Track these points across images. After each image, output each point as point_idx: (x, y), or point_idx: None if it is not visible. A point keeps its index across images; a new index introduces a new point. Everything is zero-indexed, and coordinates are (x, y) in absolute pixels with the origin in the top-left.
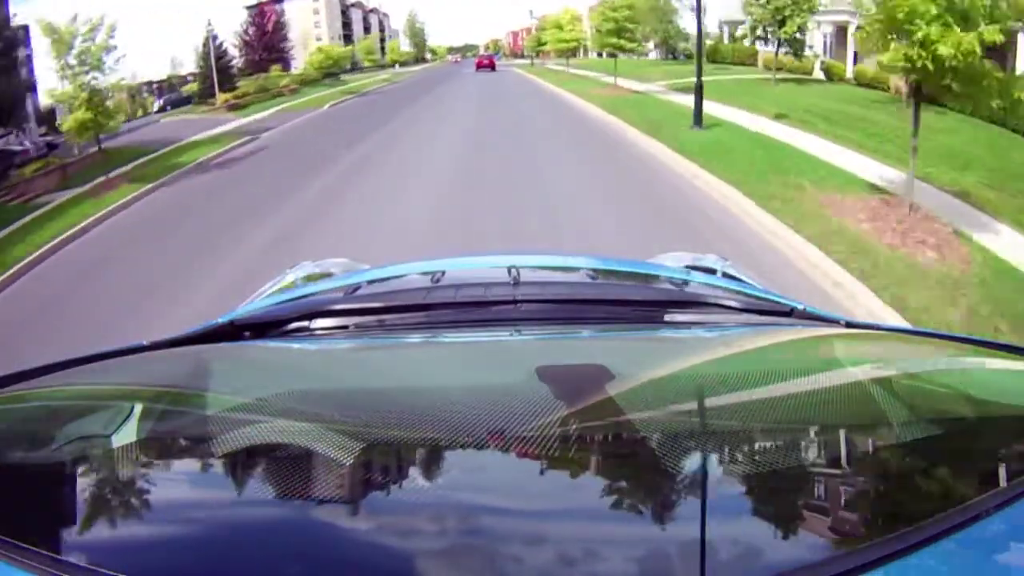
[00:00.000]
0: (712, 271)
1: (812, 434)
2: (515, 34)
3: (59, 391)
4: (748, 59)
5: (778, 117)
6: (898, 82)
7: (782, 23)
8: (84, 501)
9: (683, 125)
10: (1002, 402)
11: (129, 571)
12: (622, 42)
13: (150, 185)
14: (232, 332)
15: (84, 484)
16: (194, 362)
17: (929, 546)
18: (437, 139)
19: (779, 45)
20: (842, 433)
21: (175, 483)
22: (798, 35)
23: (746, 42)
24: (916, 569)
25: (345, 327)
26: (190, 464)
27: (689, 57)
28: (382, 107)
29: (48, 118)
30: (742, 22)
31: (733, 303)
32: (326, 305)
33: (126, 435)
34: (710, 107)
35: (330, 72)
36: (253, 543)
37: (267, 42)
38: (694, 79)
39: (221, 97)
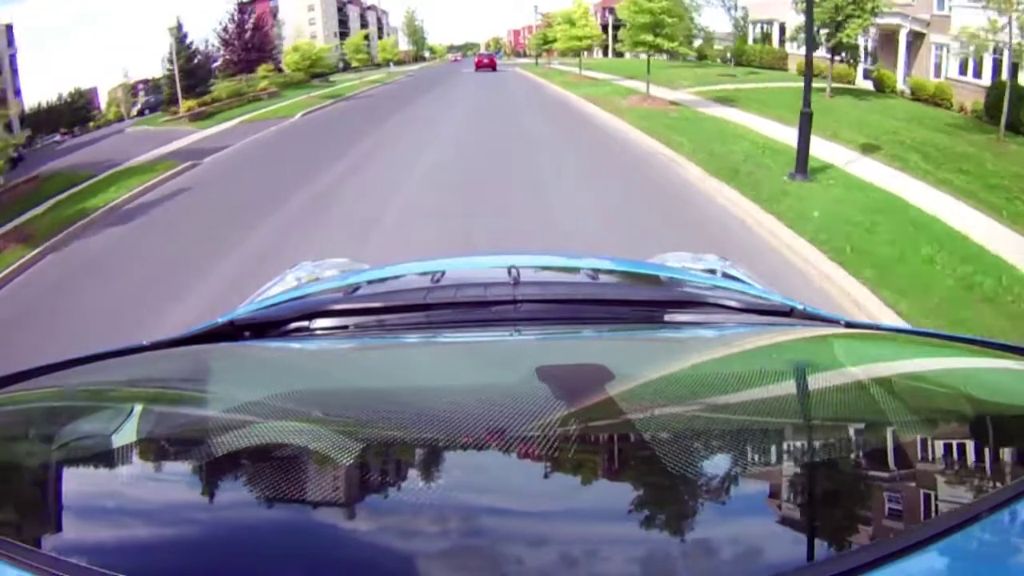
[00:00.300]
0: (712, 271)
1: (812, 434)
2: (516, 32)
3: (58, 391)
4: (777, 62)
5: (866, 149)
6: (963, 100)
7: (839, 25)
8: (84, 501)
9: (773, 169)
10: (1002, 402)
11: (128, 571)
12: (659, 40)
13: (36, 251)
14: (232, 332)
15: (84, 484)
16: (193, 362)
17: (929, 546)
18: (419, 169)
19: (833, 51)
20: (841, 433)
21: (175, 483)
22: (856, 40)
23: (793, 44)
24: (916, 569)
25: (345, 327)
26: (189, 464)
27: (702, 58)
28: (360, 117)
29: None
30: (770, 22)
31: (733, 303)
32: (326, 305)
33: (126, 435)
34: (778, 130)
35: (319, 72)
36: (253, 543)
37: (249, 40)
38: (729, 86)
39: (185, 104)
